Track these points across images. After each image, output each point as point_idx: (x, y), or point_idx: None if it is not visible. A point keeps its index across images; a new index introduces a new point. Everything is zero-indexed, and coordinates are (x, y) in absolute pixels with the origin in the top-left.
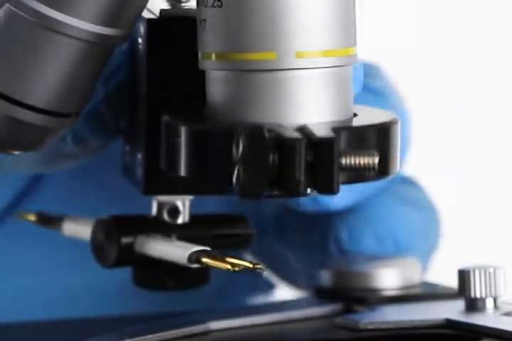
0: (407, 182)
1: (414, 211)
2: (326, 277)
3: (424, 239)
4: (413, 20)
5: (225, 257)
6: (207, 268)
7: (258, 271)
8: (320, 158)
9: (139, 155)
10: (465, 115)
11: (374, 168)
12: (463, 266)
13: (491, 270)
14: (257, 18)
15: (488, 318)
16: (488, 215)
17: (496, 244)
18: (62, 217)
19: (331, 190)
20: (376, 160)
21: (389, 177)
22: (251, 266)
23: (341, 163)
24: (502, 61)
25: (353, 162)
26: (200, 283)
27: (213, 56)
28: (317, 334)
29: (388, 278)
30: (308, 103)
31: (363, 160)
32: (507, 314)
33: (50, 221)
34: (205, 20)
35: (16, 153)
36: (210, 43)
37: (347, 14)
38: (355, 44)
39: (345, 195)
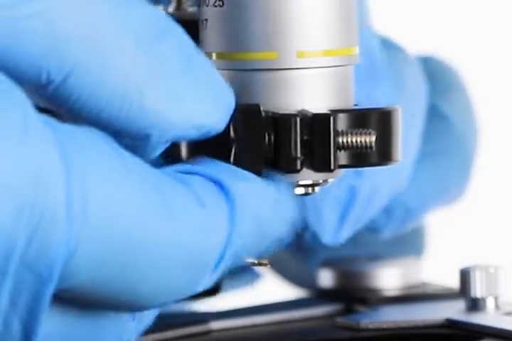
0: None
1: (427, 162)
2: (326, 277)
3: (441, 193)
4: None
5: None
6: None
7: (263, 266)
8: (316, 135)
9: None
10: None
11: (371, 147)
12: (463, 265)
13: (492, 270)
14: (258, 17)
15: (489, 318)
16: (488, 215)
17: (496, 244)
18: None
19: (327, 167)
20: (373, 138)
21: (391, 164)
22: (256, 261)
23: (338, 142)
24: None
25: (349, 140)
26: (212, 292)
27: (214, 55)
28: (318, 334)
29: (389, 278)
30: (309, 102)
31: (359, 138)
32: (508, 314)
33: None
34: (206, 20)
35: None
36: (211, 43)
37: (348, 14)
38: (356, 43)
39: (342, 229)
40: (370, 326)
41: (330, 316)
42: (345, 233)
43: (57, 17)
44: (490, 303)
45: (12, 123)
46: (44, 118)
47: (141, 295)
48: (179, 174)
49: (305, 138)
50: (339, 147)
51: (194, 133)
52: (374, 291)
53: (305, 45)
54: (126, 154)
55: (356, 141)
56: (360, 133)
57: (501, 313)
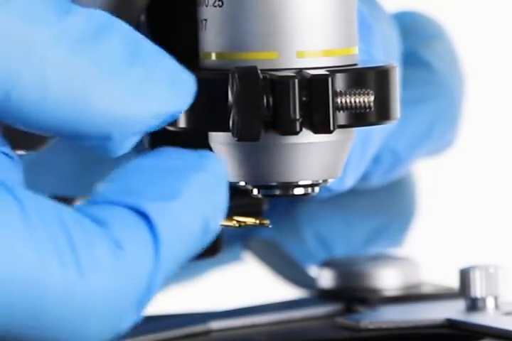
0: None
1: (412, 107)
2: (326, 277)
3: (429, 138)
4: None
5: (231, 216)
6: (218, 238)
7: (264, 226)
8: (314, 96)
9: None
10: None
11: (370, 107)
12: (463, 265)
13: (492, 269)
14: (258, 17)
15: (489, 318)
16: (488, 215)
17: (496, 244)
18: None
19: (327, 128)
20: (371, 98)
21: (389, 122)
22: (257, 221)
23: (337, 103)
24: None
25: (348, 101)
26: (212, 252)
27: (214, 56)
28: (318, 334)
29: (389, 278)
30: None
31: (358, 99)
32: (508, 313)
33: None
34: (205, 20)
35: (19, 152)
36: (210, 43)
37: (348, 13)
38: (356, 44)
39: (346, 175)
40: (370, 326)
41: (330, 316)
42: (349, 178)
43: None
44: (490, 303)
45: None
46: None
47: None
48: (98, 210)
49: (304, 99)
50: (338, 108)
51: (155, 123)
52: (374, 291)
53: (305, 45)
54: (32, 203)
55: (355, 102)
56: (359, 94)
57: (501, 313)
